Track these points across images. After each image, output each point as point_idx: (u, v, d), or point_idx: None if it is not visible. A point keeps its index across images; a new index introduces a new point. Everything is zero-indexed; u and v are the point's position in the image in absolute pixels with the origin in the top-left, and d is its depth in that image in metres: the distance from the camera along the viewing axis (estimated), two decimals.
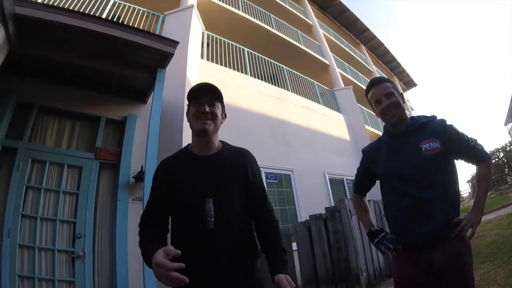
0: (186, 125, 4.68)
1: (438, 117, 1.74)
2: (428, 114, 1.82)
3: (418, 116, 1.80)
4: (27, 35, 3.31)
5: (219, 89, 1.50)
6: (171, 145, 4.31)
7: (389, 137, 1.79)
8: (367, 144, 2.00)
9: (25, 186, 3.60)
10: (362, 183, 2.02)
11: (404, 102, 1.74)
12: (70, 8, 5.25)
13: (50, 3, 5.00)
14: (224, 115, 1.55)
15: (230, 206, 1.35)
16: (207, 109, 1.40)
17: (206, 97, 1.44)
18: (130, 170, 4.29)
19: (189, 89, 1.50)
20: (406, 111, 1.77)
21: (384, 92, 1.71)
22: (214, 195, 1.33)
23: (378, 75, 17.95)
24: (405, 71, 24.02)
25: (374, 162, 1.83)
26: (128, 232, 3.90)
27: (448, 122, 1.68)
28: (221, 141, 1.54)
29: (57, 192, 3.81)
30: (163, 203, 1.40)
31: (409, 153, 1.65)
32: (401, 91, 1.81)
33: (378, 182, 1.89)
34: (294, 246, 4.73)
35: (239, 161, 1.48)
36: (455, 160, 1.66)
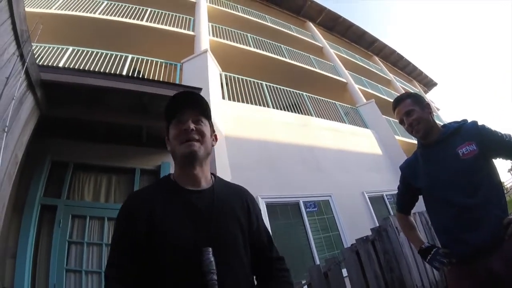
0: (219, 167, 4.70)
1: (469, 120, 1.73)
2: (459, 119, 1.79)
3: (450, 123, 1.79)
4: (56, 99, 3.47)
5: (205, 100, 1.20)
6: None
7: (424, 149, 1.77)
8: (404, 161, 1.96)
9: (67, 241, 3.71)
10: (405, 200, 1.96)
11: (430, 113, 1.75)
12: (92, 67, 5.57)
13: (75, 66, 5.34)
14: (215, 136, 1.22)
15: (235, 257, 1.02)
16: (192, 127, 1.08)
17: (188, 111, 1.12)
18: None
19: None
20: (434, 119, 1.77)
21: (404, 111, 1.75)
22: (214, 243, 0.95)
23: (397, 83, 17.75)
24: (422, 72, 23.58)
25: (413, 176, 1.80)
26: None
27: (479, 123, 1.67)
28: (213, 174, 1.20)
29: (100, 245, 3.89)
30: (141, 257, 0.95)
31: (448, 161, 1.62)
32: (426, 101, 1.80)
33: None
34: (344, 272, 4.57)
35: (239, 201, 1.16)
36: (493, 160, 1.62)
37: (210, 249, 0.93)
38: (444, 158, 1.64)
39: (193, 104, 1.15)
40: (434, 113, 1.80)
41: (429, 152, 1.73)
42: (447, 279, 1.72)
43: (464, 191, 1.53)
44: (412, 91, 2.09)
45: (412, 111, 1.72)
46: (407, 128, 1.76)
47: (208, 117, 1.19)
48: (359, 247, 4.39)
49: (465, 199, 1.51)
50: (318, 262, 5.25)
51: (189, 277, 0.91)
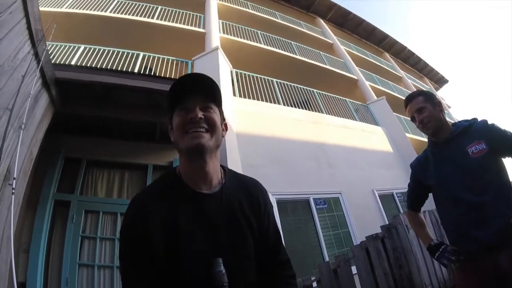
0: (231, 163, 4.65)
1: (479, 119, 1.75)
2: (469, 118, 1.83)
3: (460, 122, 1.81)
4: (69, 96, 3.53)
5: (215, 83, 1.02)
6: None
7: (434, 147, 1.80)
8: (414, 158, 1.98)
9: (80, 236, 3.81)
10: (415, 198, 1.98)
11: (441, 110, 1.77)
12: (104, 65, 5.63)
13: (87, 64, 5.39)
14: (225, 125, 1.06)
15: (246, 263, 0.97)
16: (200, 115, 0.93)
17: (195, 97, 0.96)
18: None
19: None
20: (445, 117, 1.79)
21: (415, 109, 1.78)
22: (224, 252, 0.90)
23: (408, 80, 17.53)
24: (433, 69, 23.22)
25: (424, 174, 1.82)
26: None
27: (489, 122, 1.69)
28: (223, 167, 1.07)
29: (112, 240, 3.97)
30: (160, 271, 0.86)
31: (457, 159, 1.65)
32: (438, 99, 1.84)
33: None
34: (354, 269, 4.56)
35: (251, 198, 1.05)
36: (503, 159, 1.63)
37: (221, 260, 0.87)
38: (453, 156, 1.67)
39: (201, 87, 0.98)
40: (445, 111, 1.80)
41: (439, 150, 1.76)
42: (455, 275, 1.75)
43: (473, 189, 1.55)
44: (424, 89, 2.08)
45: (423, 108, 1.75)
46: (418, 125, 1.78)
47: (219, 103, 1.03)
48: (369, 244, 4.38)
49: (474, 197, 1.54)
50: (327, 259, 5.24)
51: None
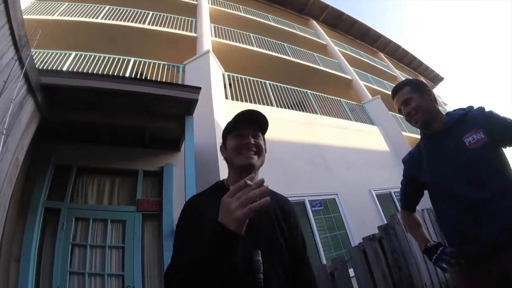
0: (222, 166, 4.68)
1: (475, 107, 1.62)
2: (464, 106, 1.69)
3: (454, 110, 1.68)
4: (57, 102, 3.48)
5: (265, 118, 1.27)
6: None
7: (428, 140, 1.67)
8: (407, 153, 1.87)
9: (70, 244, 3.76)
10: (409, 196, 1.87)
11: (432, 100, 1.65)
12: (95, 71, 5.64)
13: (76, 70, 5.37)
14: (265, 148, 1.30)
15: (278, 259, 1.13)
16: (252, 141, 1.19)
17: (249, 127, 1.23)
18: (173, 219, 4.30)
19: (228, 122, 1.29)
20: (436, 107, 1.66)
21: (401, 100, 1.68)
22: (262, 246, 1.07)
23: (403, 79, 17.52)
24: (428, 67, 23.27)
25: (417, 170, 1.70)
26: None
27: (487, 109, 1.56)
28: None
29: (103, 247, 3.93)
30: None
31: (453, 151, 1.52)
32: (427, 87, 1.70)
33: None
34: (351, 272, 4.50)
35: (283, 210, 1.26)
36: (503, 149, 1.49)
37: (259, 251, 1.04)
38: (449, 148, 1.54)
39: (254, 120, 1.24)
40: (437, 100, 1.71)
41: (432, 142, 1.64)
42: (457, 281, 1.61)
43: (473, 184, 1.42)
44: (412, 78, 2.00)
45: (409, 99, 1.64)
46: (406, 118, 1.68)
47: (264, 133, 1.30)
48: (366, 245, 4.32)
49: (474, 192, 1.40)
50: (324, 262, 5.19)
51: (241, 274, 1.01)
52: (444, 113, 1.68)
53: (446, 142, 1.57)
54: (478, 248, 1.38)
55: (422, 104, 1.62)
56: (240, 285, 1.02)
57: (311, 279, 1.29)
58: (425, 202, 1.96)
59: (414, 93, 1.65)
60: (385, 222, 5.91)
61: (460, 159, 1.49)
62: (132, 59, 6.42)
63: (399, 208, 6.90)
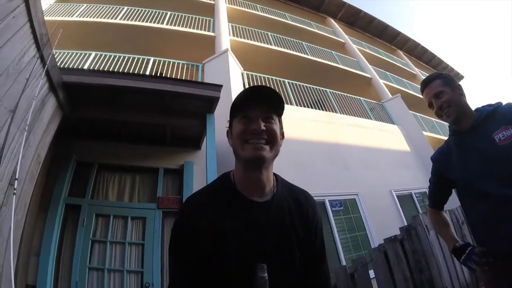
0: None
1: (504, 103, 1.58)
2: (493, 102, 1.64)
3: (483, 107, 1.64)
4: (78, 100, 3.52)
5: (279, 95, 1.02)
6: None
7: (457, 137, 1.64)
8: (436, 150, 1.82)
9: (90, 240, 3.82)
10: (438, 194, 1.82)
11: (462, 95, 1.60)
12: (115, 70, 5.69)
13: (96, 69, 5.42)
14: (282, 134, 1.06)
15: (289, 274, 0.98)
16: (262, 127, 0.94)
17: (259, 108, 0.97)
18: None
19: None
20: (466, 103, 1.62)
21: (432, 94, 1.62)
22: (270, 259, 0.91)
23: (423, 77, 17.13)
24: (448, 66, 22.70)
25: (447, 167, 1.66)
26: None
27: None
28: (275, 175, 1.10)
29: (123, 244, 3.97)
30: (202, 276, 0.90)
31: (483, 148, 1.48)
32: (457, 82, 1.65)
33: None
34: (371, 273, 4.40)
35: (300, 210, 1.06)
36: None
37: (265, 265, 0.88)
38: (479, 145, 1.50)
39: (264, 97, 0.99)
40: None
41: (462, 139, 1.60)
42: (483, 279, 1.58)
43: (504, 180, 1.38)
44: (441, 71, 1.90)
45: (441, 92, 1.58)
46: (436, 111, 1.62)
47: (279, 114, 1.04)
48: (387, 247, 4.21)
49: (505, 189, 1.36)
50: (344, 263, 5.10)
51: None
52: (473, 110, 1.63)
53: (476, 139, 1.53)
54: (507, 244, 1.35)
55: (454, 98, 1.57)
56: None
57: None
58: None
59: (446, 86, 1.60)
60: (405, 223, 5.76)
61: (490, 156, 1.45)
62: (152, 59, 6.48)
63: (419, 209, 6.76)
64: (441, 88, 1.59)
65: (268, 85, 6.32)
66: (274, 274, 0.89)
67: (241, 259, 0.90)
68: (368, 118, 9.29)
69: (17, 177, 1.78)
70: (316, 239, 1.07)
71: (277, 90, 6.73)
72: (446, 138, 1.70)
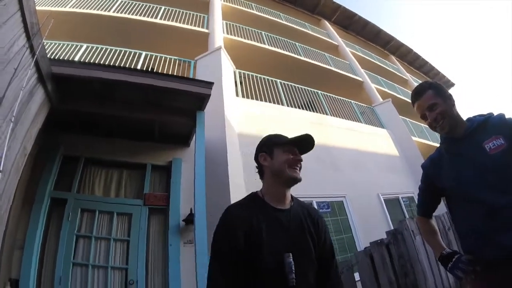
0: (231, 162, 4.71)
1: (495, 113, 1.61)
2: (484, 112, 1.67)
3: (474, 116, 1.66)
4: (67, 92, 3.46)
5: (313, 141, 1.52)
6: (218, 185, 4.36)
7: (449, 145, 1.64)
8: (427, 158, 1.81)
9: (75, 235, 3.77)
10: (427, 203, 1.84)
11: (453, 105, 1.61)
12: (106, 63, 5.61)
13: (87, 61, 5.35)
14: None
15: (307, 262, 1.28)
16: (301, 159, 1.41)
17: (302, 148, 1.47)
18: (180, 214, 4.30)
19: (280, 136, 1.56)
20: (458, 112, 1.63)
21: (426, 105, 1.61)
22: (292, 250, 1.23)
23: (414, 83, 17.37)
24: (439, 72, 23.01)
25: (437, 175, 1.67)
26: (181, 276, 3.86)
27: (507, 116, 1.56)
28: (292, 196, 1.47)
29: (108, 239, 3.93)
30: (244, 263, 1.19)
31: (474, 157, 1.50)
32: (448, 92, 1.66)
33: None
34: (356, 276, 4.43)
35: (312, 218, 1.42)
36: None
37: (290, 254, 1.21)
38: (471, 154, 1.52)
39: (310, 145, 1.50)
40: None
41: (454, 148, 1.60)
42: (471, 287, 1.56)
43: (495, 188, 1.40)
44: (431, 80, 1.91)
45: (435, 105, 1.58)
46: (430, 123, 1.62)
47: None
48: (373, 250, 4.25)
49: (496, 197, 1.38)
50: None
51: (277, 275, 1.18)
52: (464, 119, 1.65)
53: (467, 148, 1.54)
54: (498, 253, 1.36)
55: (447, 110, 1.57)
56: (273, 284, 1.19)
57: (338, 281, 1.41)
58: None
59: (438, 97, 1.60)
60: (392, 227, 5.81)
61: (481, 165, 1.47)
62: (144, 53, 6.41)
63: (406, 213, 6.81)
64: (434, 100, 1.59)
65: (256, 84, 6.33)
66: (296, 260, 1.21)
67: (273, 249, 1.21)
68: (359, 122, 9.37)
69: (1, 169, 1.74)
70: (326, 241, 1.41)
71: (270, 90, 6.74)
72: (435, 144, 1.71)
